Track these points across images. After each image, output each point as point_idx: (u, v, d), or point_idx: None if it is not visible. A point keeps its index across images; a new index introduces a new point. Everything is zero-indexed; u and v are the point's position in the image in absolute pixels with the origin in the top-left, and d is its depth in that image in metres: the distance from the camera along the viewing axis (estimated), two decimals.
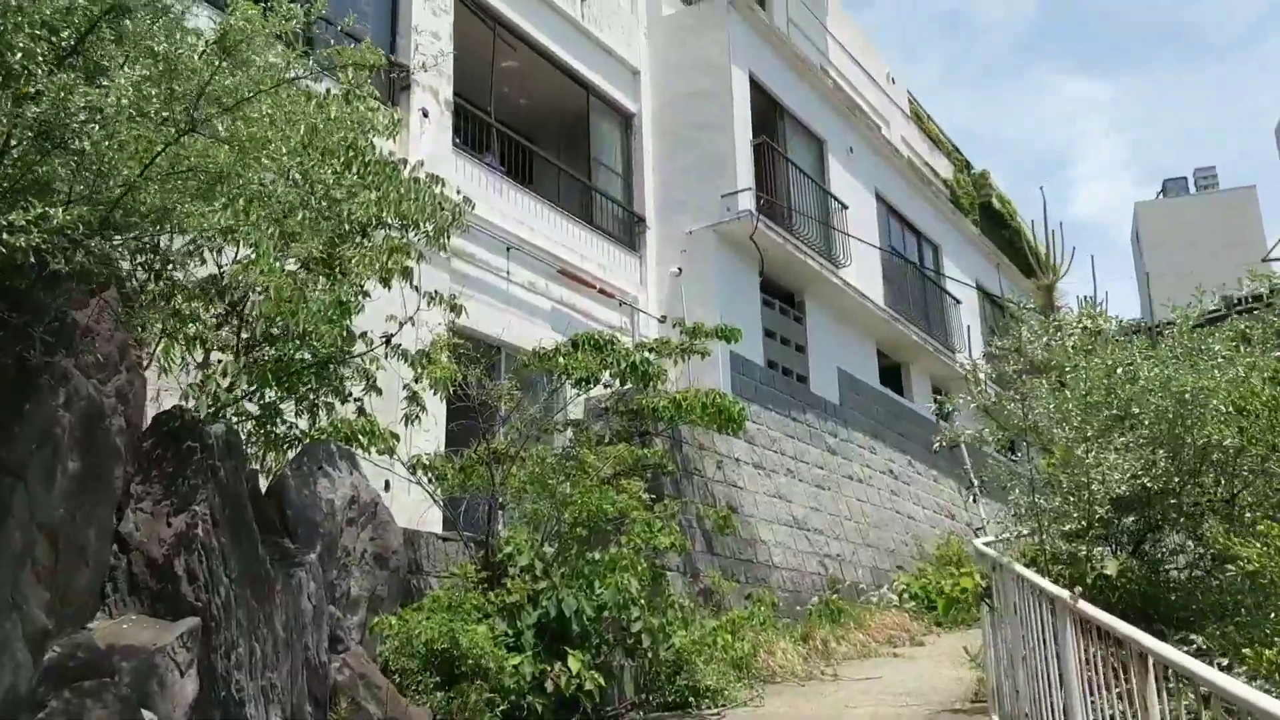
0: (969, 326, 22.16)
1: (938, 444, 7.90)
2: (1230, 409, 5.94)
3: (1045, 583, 5.06)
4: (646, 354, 11.40)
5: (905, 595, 15.60)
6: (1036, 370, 7.34)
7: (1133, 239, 68.00)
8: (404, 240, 7.77)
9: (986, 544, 7.44)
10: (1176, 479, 6.29)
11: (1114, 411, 6.38)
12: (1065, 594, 4.58)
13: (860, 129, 19.42)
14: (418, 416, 8.17)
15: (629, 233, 15.45)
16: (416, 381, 8.24)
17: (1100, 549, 6.33)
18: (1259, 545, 4.22)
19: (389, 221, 7.80)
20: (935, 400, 8.47)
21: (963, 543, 18.40)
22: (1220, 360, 6.29)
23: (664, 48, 16.19)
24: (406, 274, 7.50)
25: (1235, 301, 8.40)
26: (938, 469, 20.18)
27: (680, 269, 15.13)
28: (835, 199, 17.55)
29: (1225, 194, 62.49)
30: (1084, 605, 4.38)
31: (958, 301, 22.06)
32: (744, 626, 11.38)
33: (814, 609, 13.21)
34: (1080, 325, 7.03)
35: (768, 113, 16.66)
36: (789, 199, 16.23)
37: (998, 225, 28.22)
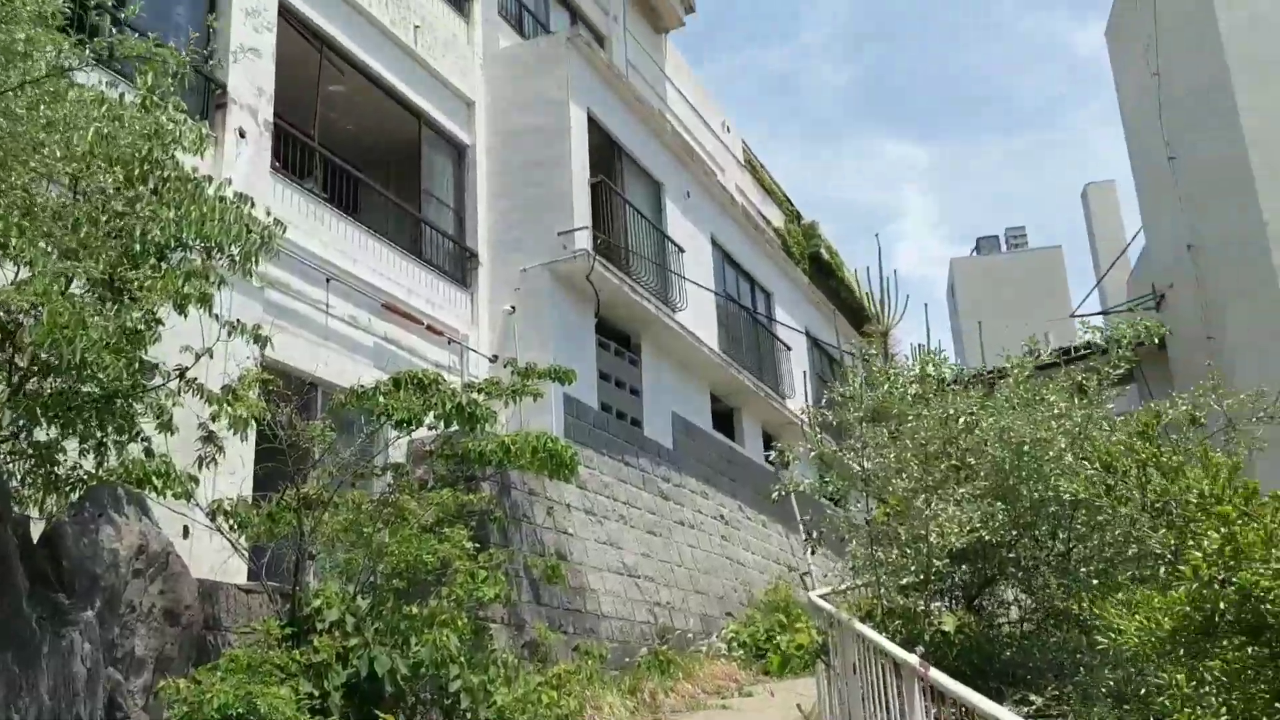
0: (805, 373, 22.36)
1: (777, 493, 7.64)
2: (1069, 460, 5.87)
3: (893, 647, 4.80)
4: (475, 395, 10.87)
5: (734, 643, 15.37)
6: (875, 418, 7.19)
7: (948, 293, 70.76)
8: (206, 264, 7.10)
9: (822, 596, 7.21)
10: (1014, 532, 6.18)
11: (952, 462, 6.24)
12: (914, 660, 4.32)
13: (698, 174, 19.42)
14: (214, 459, 7.44)
15: (460, 268, 14.92)
16: (214, 420, 7.51)
17: (937, 604, 6.15)
18: (1138, 619, 4.05)
19: (189, 243, 7.11)
20: (775, 448, 8.21)
21: (791, 588, 18.37)
22: (1057, 411, 6.25)
23: (501, 81, 15.80)
24: (205, 301, 6.82)
25: (1064, 351, 8.45)
26: (767, 514, 20.17)
27: (513, 307, 14.67)
28: (672, 242, 17.43)
29: (1034, 252, 65.67)
30: (936, 674, 4.12)
31: (788, 348, 22.26)
32: (570, 681, 10.89)
33: (643, 660, 12.81)
34: (921, 372, 6.89)
35: (605, 152, 16.43)
36: (626, 240, 16.00)
37: (826, 276, 28.73)
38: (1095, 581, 5.82)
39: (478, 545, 11.06)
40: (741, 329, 20.27)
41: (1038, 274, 58.90)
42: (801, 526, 21.87)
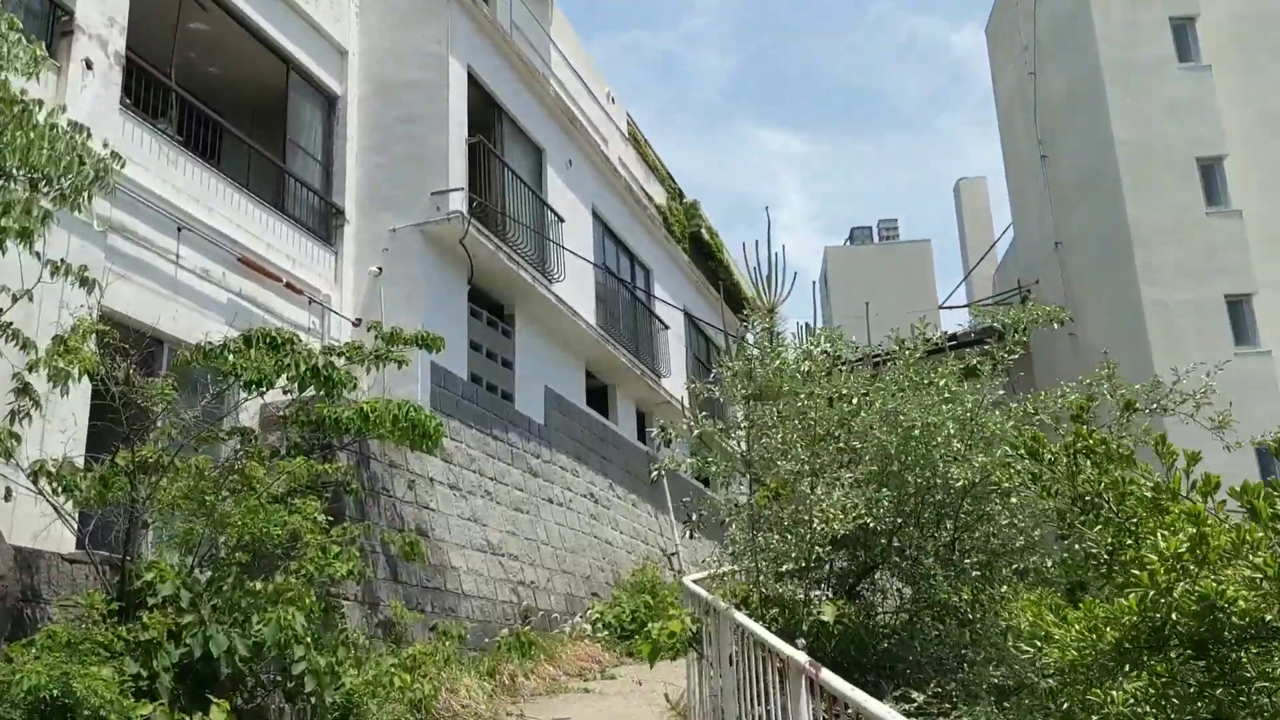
0: (692, 354, 22.09)
1: (656, 473, 7.22)
2: (957, 446, 5.61)
3: (779, 642, 4.43)
4: (334, 359, 10.23)
5: (599, 624, 15.00)
6: (760, 396, 6.83)
7: (821, 281, 71.85)
8: (29, 196, 6.32)
9: (696, 581, 6.85)
10: (897, 520, 5.91)
11: (839, 445, 5.93)
12: (803, 658, 3.95)
13: (581, 143, 18.89)
14: (28, 414, 6.67)
15: (325, 225, 14.11)
16: (31, 370, 6.73)
17: (817, 593, 5.84)
18: (1075, 629, 3.73)
19: (12, 171, 6.33)
20: (659, 426, 7.74)
21: (659, 570, 18.08)
22: (947, 395, 5.99)
23: (377, 31, 15.00)
24: (26, 237, 6.06)
25: (952, 337, 8.24)
26: (638, 494, 19.87)
27: (380, 269, 13.95)
28: (552, 211, 16.89)
29: (905, 245, 67.01)
30: (828, 675, 3.76)
31: (666, 327, 21.95)
32: (426, 663, 10.36)
33: (504, 641, 12.32)
34: (814, 346, 6.53)
35: (485, 113, 15.78)
36: (504, 205, 15.39)
37: (705, 257, 28.53)
38: (977, 574, 5.58)
39: (331, 519, 10.43)
40: (620, 305, 19.86)
41: (907, 266, 60.09)
42: (677, 509, 21.65)
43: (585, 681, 12.49)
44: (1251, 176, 24.61)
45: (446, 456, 13.53)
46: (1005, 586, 5.69)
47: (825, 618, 5.54)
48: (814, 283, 32.83)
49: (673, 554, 20.15)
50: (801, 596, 5.73)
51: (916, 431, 5.76)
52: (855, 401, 5.99)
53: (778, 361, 6.33)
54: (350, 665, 8.59)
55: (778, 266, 10.11)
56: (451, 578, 12.75)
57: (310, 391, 9.77)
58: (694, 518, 6.67)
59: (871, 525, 5.79)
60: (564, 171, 17.90)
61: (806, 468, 5.94)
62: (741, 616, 5.05)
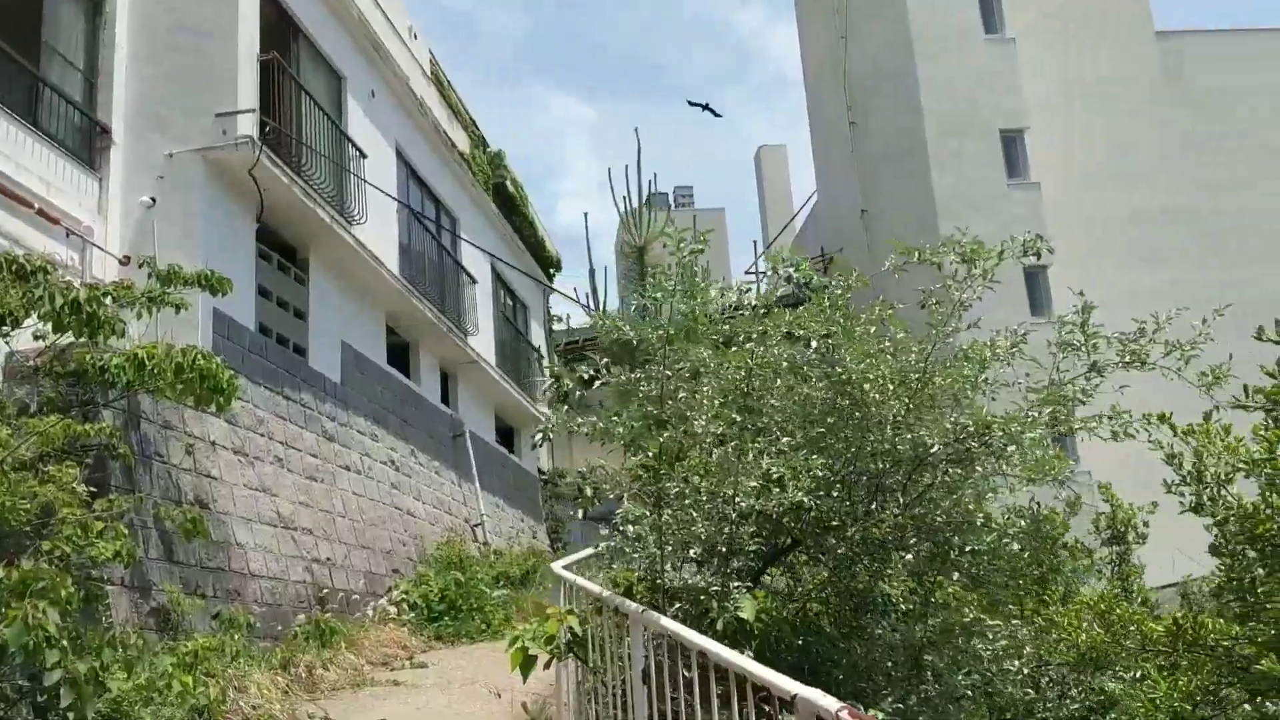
0: (500, 312, 20.70)
1: (541, 434, 5.96)
2: (901, 405, 4.68)
3: (766, 671, 3.29)
4: (101, 295, 8.51)
5: (404, 605, 13.61)
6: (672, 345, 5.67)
7: (616, 246, 71.66)
8: None
9: (566, 567, 5.72)
10: (832, 495, 4.95)
11: (777, 403, 4.90)
12: (830, 704, 2.83)
13: (385, 74, 17.19)
14: None
15: (88, 146, 12.05)
16: None
17: (735, 584, 4.82)
18: (1091, 627, 2.88)
19: None
20: (551, 372, 6.42)
21: (464, 543, 16.79)
22: (885, 341, 5.05)
23: None
24: None
25: (803, 284, 7.33)
26: (440, 460, 18.45)
27: (154, 200, 12.03)
28: (354, 145, 15.18)
29: (700, 212, 67.43)
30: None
31: (474, 281, 20.50)
32: (210, 659, 8.80)
33: (300, 629, 10.80)
34: (749, 291, 5.36)
35: (280, 31, 13.95)
36: (300, 134, 13.64)
37: (509, 210, 27.11)
38: (925, 560, 4.70)
39: (94, 490, 8.73)
40: (425, 255, 18.29)
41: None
42: (482, 476, 20.29)
43: (393, 671, 11.13)
44: (1051, 148, 25.22)
45: (232, 418, 11.80)
46: (956, 574, 4.82)
47: (744, 614, 4.53)
48: (723, 209, 31.88)
49: (477, 525, 18.90)
50: (711, 587, 4.71)
51: (866, 386, 4.81)
52: (814, 346, 4.95)
53: (712, 297, 5.20)
54: (118, 669, 7.01)
55: (650, 198, 8.82)
56: (237, 556, 11.11)
57: (69, 337, 8.05)
58: (587, 493, 5.50)
59: (804, 501, 4.81)
60: (366, 103, 16.20)
61: (732, 429, 4.90)
62: (677, 626, 3.94)
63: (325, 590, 12.51)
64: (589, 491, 5.45)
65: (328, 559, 13.08)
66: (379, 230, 15.81)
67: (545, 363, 26.71)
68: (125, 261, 11.73)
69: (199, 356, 6.95)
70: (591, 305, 8.51)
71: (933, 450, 4.71)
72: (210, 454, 11.23)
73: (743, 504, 4.74)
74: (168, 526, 9.32)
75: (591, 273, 11.06)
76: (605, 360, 4.87)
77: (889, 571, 5.00)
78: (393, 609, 13.23)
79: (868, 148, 27.60)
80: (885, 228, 26.64)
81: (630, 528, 5.02)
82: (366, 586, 13.79)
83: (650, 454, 4.98)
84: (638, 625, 4.24)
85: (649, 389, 4.85)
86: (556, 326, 32.39)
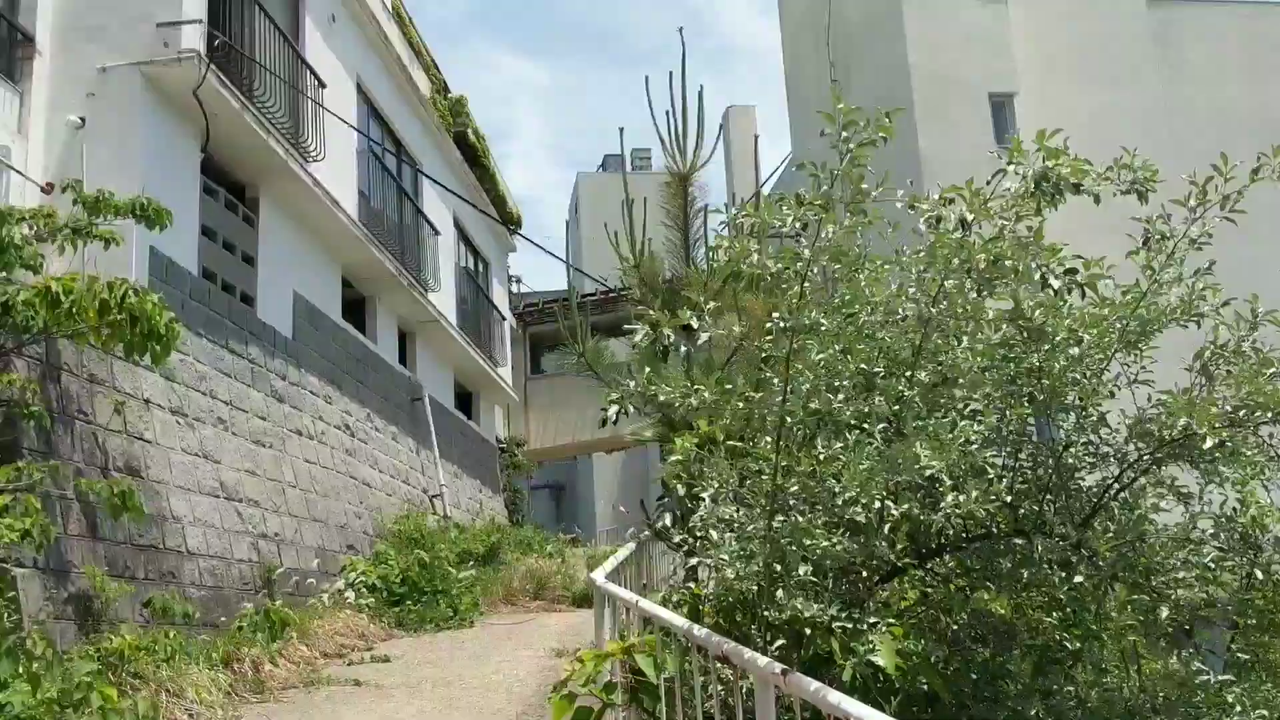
0: (463, 268, 19.20)
1: (614, 408, 4.59)
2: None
3: None
4: (14, 226, 7.06)
5: (362, 587, 12.21)
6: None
7: (571, 207, 70.41)
8: None
9: (610, 576, 4.43)
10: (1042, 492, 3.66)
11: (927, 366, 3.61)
12: None
13: None
14: None
15: (7, 56, 10.40)
16: None
17: (869, 618, 3.53)
18: None
19: None
20: (646, 319, 5.01)
21: (424, 516, 15.41)
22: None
23: None
24: None
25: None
26: (398, 425, 17.00)
27: (83, 120, 10.43)
28: (313, 73, 13.59)
29: (657, 175, 65.85)
30: None
31: (437, 233, 18.98)
32: (140, 660, 7.39)
33: (245, 618, 9.39)
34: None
35: None
36: (252, 53, 12.05)
37: (470, 161, 25.52)
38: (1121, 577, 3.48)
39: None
40: (385, 201, 16.73)
41: (661, 194, 58.81)
42: (441, 443, 18.82)
43: (351, 666, 9.74)
44: (1039, 114, 24.13)
45: (169, 373, 10.30)
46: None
47: (881, 660, 3.27)
48: (755, 137, 30.20)
49: (436, 496, 17.51)
50: (835, 622, 3.44)
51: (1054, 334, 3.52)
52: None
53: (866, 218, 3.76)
54: (20, 684, 5.59)
55: (698, 118, 7.44)
56: (173, 531, 9.65)
57: None
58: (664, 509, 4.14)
59: (1009, 504, 3.52)
60: (326, 28, 14.59)
61: (897, 403, 3.59)
62: (836, 695, 2.65)
63: (274, 570, 11.08)
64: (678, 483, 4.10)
65: (276, 534, 11.63)
66: (337, 171, 14.27)
67: (509, 323, 25.30)
68: (49, 190, 10.13)
69: (129, 293, 5.49)
70: (621, 244, 7.08)
71: (1196, 436, 3.43)
72: (143, 413, 9.73)
73: (898, 510, 3.48)
74: (92, 499, 7.83)
75: (629, 202, 9.28)
76: (708, 304, 3.57)
77: (1087, 605, 3.72)
78: (350, 592, 11.82)
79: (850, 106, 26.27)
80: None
81: (725, 538, 3.71)
82: (320, 565, 12.36)
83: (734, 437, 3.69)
84: (767, 689, 2.94)
85: (786, 343, 3.54)
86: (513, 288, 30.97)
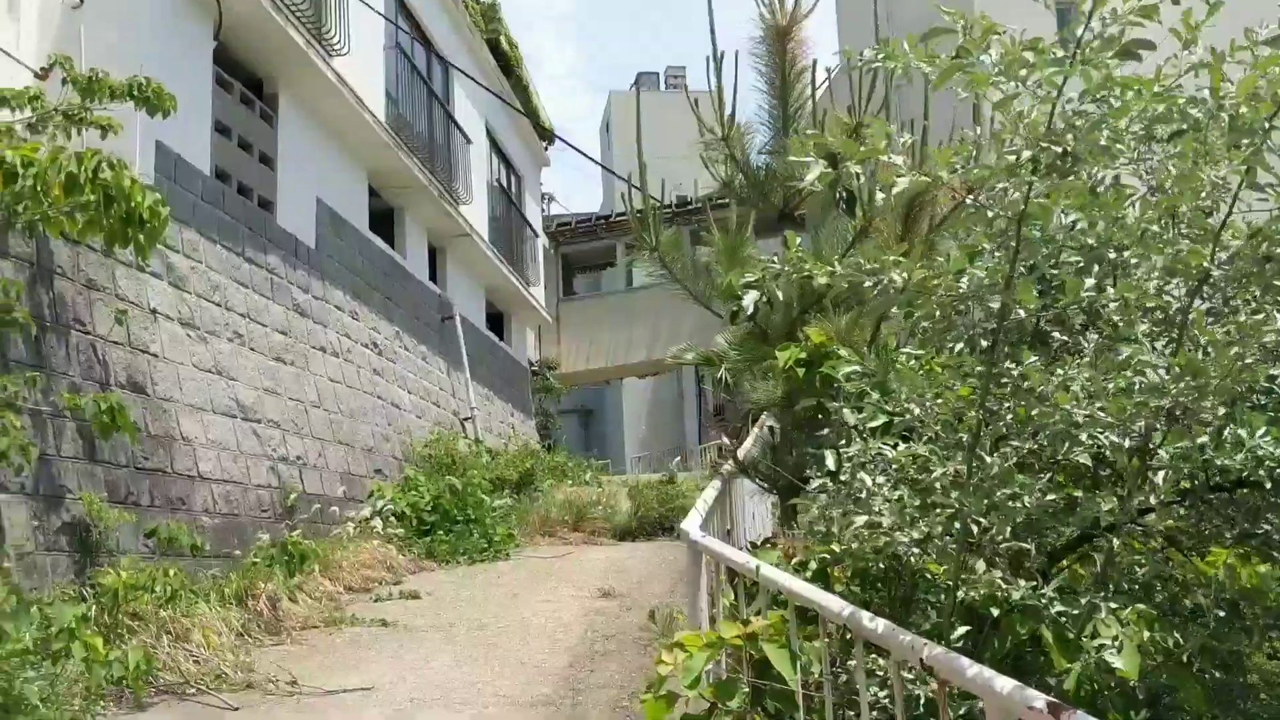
0: (496, 181, 18.10)
1: (749, 305, 3.53)
2: None
3: None
4: None
5: (389, 514, 11.38)
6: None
7: (602, 128, 68.86)
8: None
9: (707, 527, 3.49)
10: None
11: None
12: None
13: None
14: None
15: None
16: None
17: (1106, 604, 2.56)
18: None
19: None
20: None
21: (455, 439, 14.56)
22: None
23: None
24: None
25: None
26: (428, 345, 16.08)
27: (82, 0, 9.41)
28: None
29: (693, 94, 64.24)
30: None
31: (469, 141, 17.87)
32: (139, 600, 6.55)
33: (261, 551, 8.55)
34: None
35: None
36: None
37: (503, 70, 24.30)
38: None
39: None
40: (414, 104, 15.62)
41: (693, 115, 57.26)
42: (472, 364, 17.94)
43: (377, 603, 8.92)
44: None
45: (179, 280, 9.39)
46: None
47: (1118, 662, 2.34)
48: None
49: (467, 419, 16.66)
50: (1053, 605, 2.49)
51: None
52: None
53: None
54: None
55: None
56: (182, 454, 8.79)
57: None
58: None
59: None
60: None
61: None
62: None
63: (294, 495, 10.25)
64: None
65: (298, 457, 10.79)
66: (363, 67, 13.17)
67: (542, 242, 24.29)
68: (43, 75, 9.12)
69: (104, 164, 4.48)
70: (718, 110, 6.02)
71: None
72: (149, 324, 8.83)
73: (1168, 449, 2.50)
74: (86, 418, 6.94)
75: (716, 57, 7.41)
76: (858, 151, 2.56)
77: None
78: (377, 520, 10.99)
79: (902, 17, 24.80)
80: (917, 104, 24.06)
81: (881, 483, 2.72)
82: (344, 491, 11.53)
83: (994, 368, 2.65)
84: None
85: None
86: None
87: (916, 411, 2.61)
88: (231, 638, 7.18)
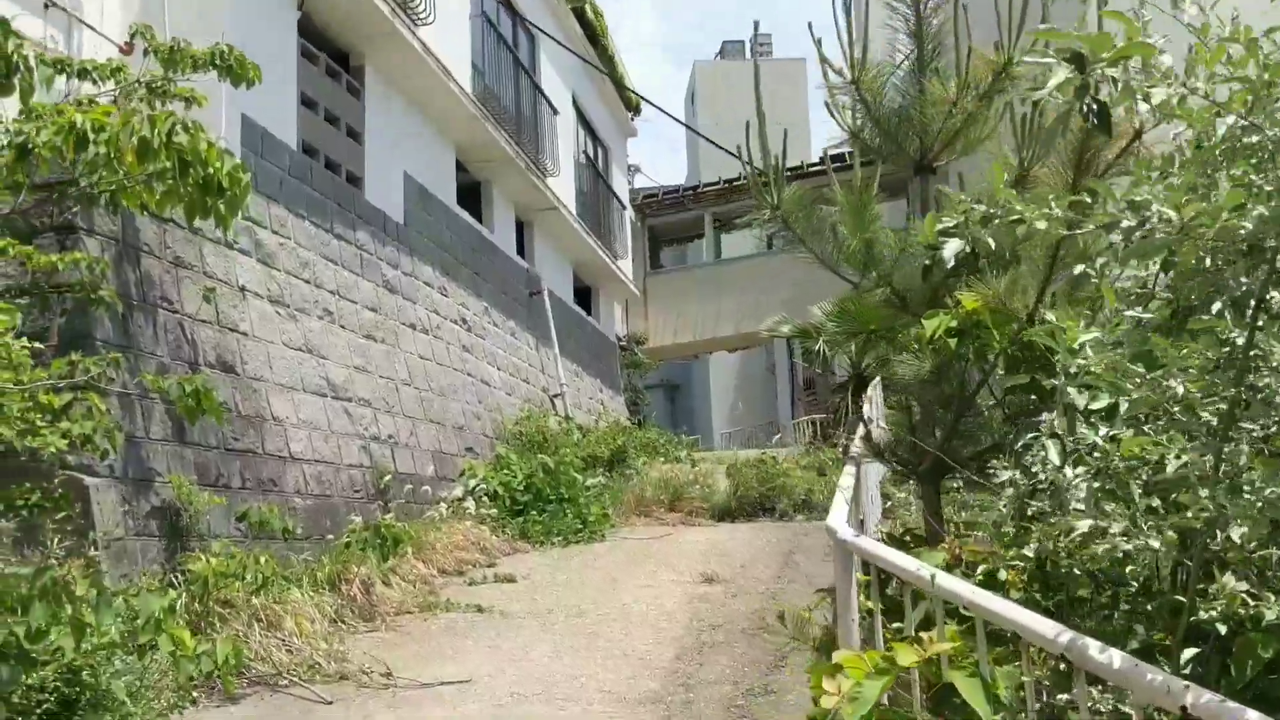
0: (583, 153, 17.72)
1: (950, 256, 3.12)
2: None
3: None
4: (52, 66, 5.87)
5: (481, 494, 11.12)
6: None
7: (687, 99, 68.04)
8: None
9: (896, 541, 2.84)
10: None
11: None
12: None
13: None
14: None
15: None
16: None
17: None
18: None
19: None
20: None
21: (546, 417, 14.27)
22: None
23: None
24: None
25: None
26: (516, 320, 15.80)
27: None
28: None
29: (779, 62, 63.42)
30: None
31: (556, 111, 17.50)
32: (230, 588, 6.32)
33: (353, 534, 8.31)
34: None
35: None
36: None
37: (589, 40, 23.87)
38: None
39: (55, 346, 6.25)
40: (501, 74, 15.29)
41: (781, 84, 56.34)
42: (561, 339, 17.66)
43: (472, 586, 8.65)
44: None
45: (267, 257, 9.19)
46: None
47: None
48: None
49: (557, 396, 16.36)
50: None
51: None
52: None
53: None
54: (64, 631, 4.48)
55: None
56: (273, 434, 8.59)
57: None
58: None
59: None
60: None
61: None
62: None
63: (387, 476, 10.02)
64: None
65: (390, 436, 10.56)
66: (448, 35, 12.85)
67: (629, 214, 23.89)
68: (127, 50, 8.95)
69: (179, 127, 4.18)
70: (847, 50, 5.53)
71: None
72: (238, 302, 8.63)
73: None
74: (172, 399, 6.71)
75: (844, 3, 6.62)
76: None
77: None
78: (469, 501, 10.73)
79: None
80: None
81: (1080, 477, 2.26)
82: (436, 470, 11.30)
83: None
84: None
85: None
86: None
87: (1179, 390, 2.12)
88: (324, 625, 6.94)
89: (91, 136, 4.06)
